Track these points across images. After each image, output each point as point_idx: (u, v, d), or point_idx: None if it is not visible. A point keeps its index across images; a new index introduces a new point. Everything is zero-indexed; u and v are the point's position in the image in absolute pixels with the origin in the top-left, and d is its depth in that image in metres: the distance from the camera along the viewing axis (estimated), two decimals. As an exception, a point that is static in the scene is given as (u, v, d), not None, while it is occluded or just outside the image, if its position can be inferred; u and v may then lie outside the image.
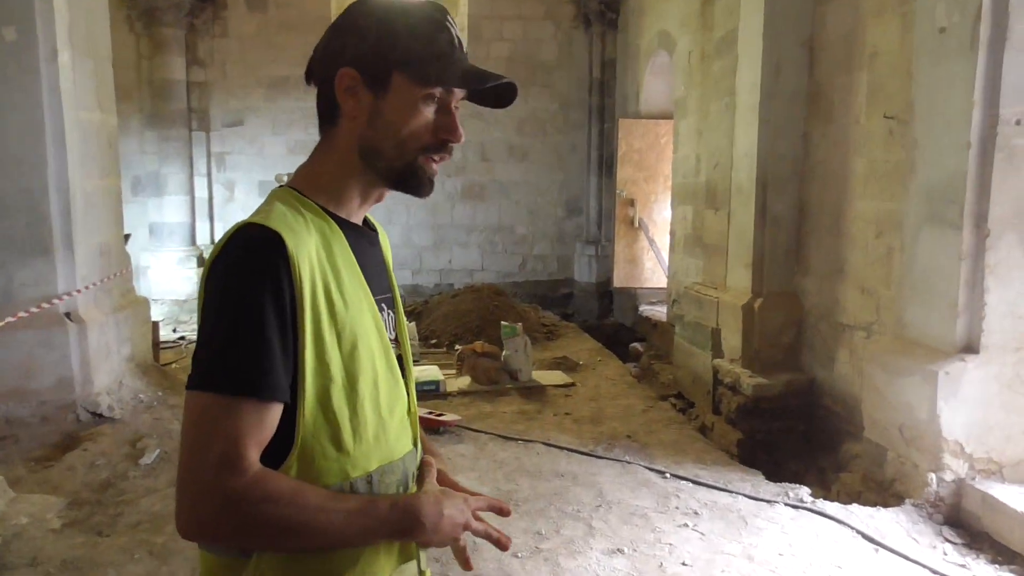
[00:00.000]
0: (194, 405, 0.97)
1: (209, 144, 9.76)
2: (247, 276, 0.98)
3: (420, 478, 1.19)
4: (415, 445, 1.22)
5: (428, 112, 1.10)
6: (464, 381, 5.87)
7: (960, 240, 3.36)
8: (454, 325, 7.66)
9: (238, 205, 9.89)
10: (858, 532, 3.29)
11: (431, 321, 7.90)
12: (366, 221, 1.24)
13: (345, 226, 1.13)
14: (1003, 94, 3.24)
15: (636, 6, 9.21)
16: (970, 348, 3.37)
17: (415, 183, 1.13)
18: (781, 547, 3.20)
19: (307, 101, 9.15)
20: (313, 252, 1.03)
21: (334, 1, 9.57)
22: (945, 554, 3.12)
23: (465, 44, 1.15)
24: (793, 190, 5.13)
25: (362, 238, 1.17)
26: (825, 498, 3.80)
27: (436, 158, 1.13)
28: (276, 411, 0.99)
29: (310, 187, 1.13)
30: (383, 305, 1.17)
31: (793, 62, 5.02)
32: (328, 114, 1.13)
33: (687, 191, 7.32)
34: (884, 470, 3.73)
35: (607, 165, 10.00)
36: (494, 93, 1.14)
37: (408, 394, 1.21)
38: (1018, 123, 3.24)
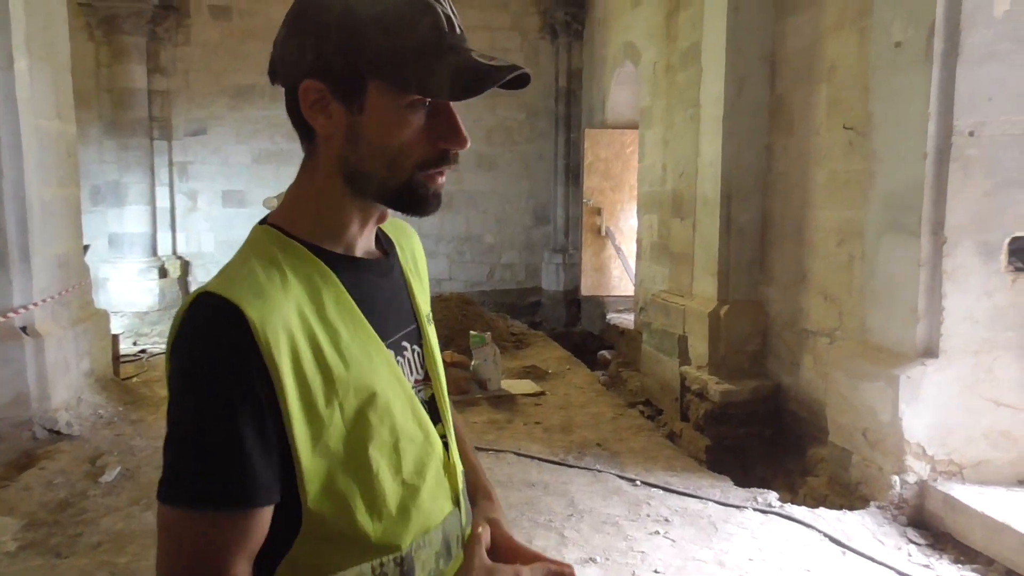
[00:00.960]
0: (165, 520, 0.84)
1: (171, 153, 9.63)
2: (205, 365, 0.82)
3: (469, 546, 1.01)
4: (457, 503, 1.03)
5: (417, 119, 0.90)
6: (433, 391, 5.83)
7: (919, 247, 3.44)
8: (422, 335, 7.62)
9: (201, 215, 9.76)
10: (826, 535, 3.34)
11: (399, 331, 7.86)
12: (379, 238, 1.06)
13: (342, 264, 0.94)
14: (957, 106, 3.33)
15: (601, 17, 9.30)
16: (930, 352, 3.45)
17: (416, 202, 0.93)
18: (751, 552, 3.24)
19: (272, 110, 9.03)
20: (292, 316, 0.86)
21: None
22: (910, 555, 3.18)
23: (458, 21, 0.91)
24: (757, 200, 5.22)
25: (367, 272, 0.98)
26: (792, 502, 3.85)
27: (439, 172, 0.93)
28: (263, 515, 0.85)
29: (295, 221, 0.94)
30: (405, 343, 1.01)
31: (755, 75, 5.11)
32: (302, 127, 0.94)
33: (653, 200, 7.40)
34: (849, 473, 3.80)
35: (574, 174, 10.06)
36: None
37: (447, 443, 1.03)
38: (971, 134, 3.34)
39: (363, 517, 0.89)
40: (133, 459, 4.30)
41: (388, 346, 0.96)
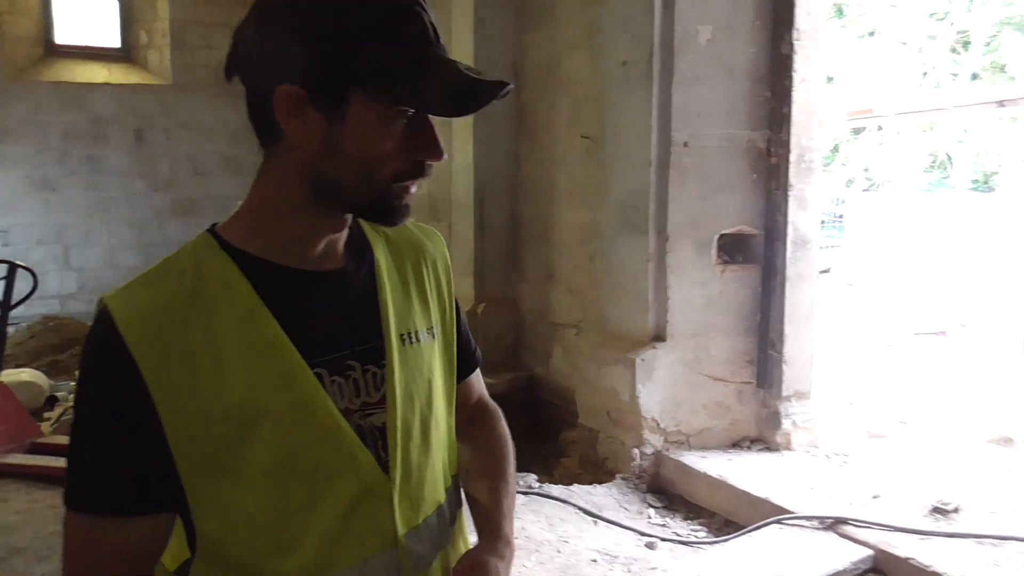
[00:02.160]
0: (64, 517, 0.87)
1: None
2: (84, 373, 0.85)
3: None
4: (396, 544, 0.94)
5: (396, 130, 0.85)
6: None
7: (647, 245, 3.88)
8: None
9: None
10: (580, 508, 3.65)
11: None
12: (354, 247, 0.99)
13: (271, 274, 0.89)
14: (673, 120, 3.78)
15: (350, 21, 9.26)
16: (659, 337, 3.91)
17: (388, 214, 0.91)
18: (516, 531, 3.43)
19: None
20: (175, 327, 0.83)
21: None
22: (650, 518, 3.58)
23: (439, 30, 0.86)
24: (508, 203, 5.54)
25: (308, 284, 0.92)
26: (550, 482, 4.15)
27: (412, 185, 0.90)
28: (142, 524, 0.85)
29: (234, 228, 0.92)
30: (352, 361, 0.93)
31: (502, 85, 5.41)
32: (266, 130, 0.89)
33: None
34: (597, 451, 4.18)
35: (328, 179, 9.90)
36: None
37: (396, 471, 0.94)
38: (686, 145, 3.83)
39: (245, 545, 0.87)
40: None
41: (319, 364, 0.90)
